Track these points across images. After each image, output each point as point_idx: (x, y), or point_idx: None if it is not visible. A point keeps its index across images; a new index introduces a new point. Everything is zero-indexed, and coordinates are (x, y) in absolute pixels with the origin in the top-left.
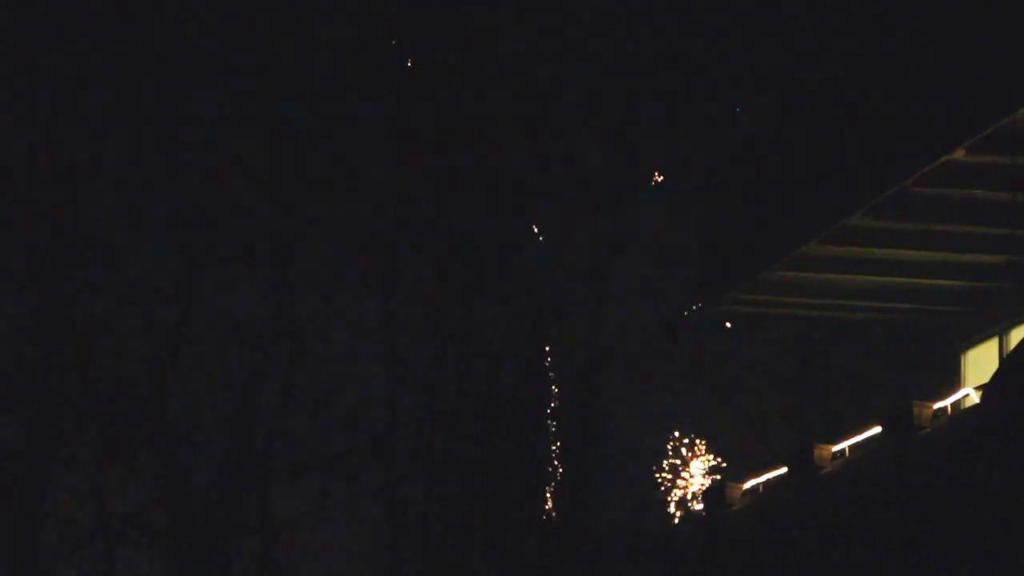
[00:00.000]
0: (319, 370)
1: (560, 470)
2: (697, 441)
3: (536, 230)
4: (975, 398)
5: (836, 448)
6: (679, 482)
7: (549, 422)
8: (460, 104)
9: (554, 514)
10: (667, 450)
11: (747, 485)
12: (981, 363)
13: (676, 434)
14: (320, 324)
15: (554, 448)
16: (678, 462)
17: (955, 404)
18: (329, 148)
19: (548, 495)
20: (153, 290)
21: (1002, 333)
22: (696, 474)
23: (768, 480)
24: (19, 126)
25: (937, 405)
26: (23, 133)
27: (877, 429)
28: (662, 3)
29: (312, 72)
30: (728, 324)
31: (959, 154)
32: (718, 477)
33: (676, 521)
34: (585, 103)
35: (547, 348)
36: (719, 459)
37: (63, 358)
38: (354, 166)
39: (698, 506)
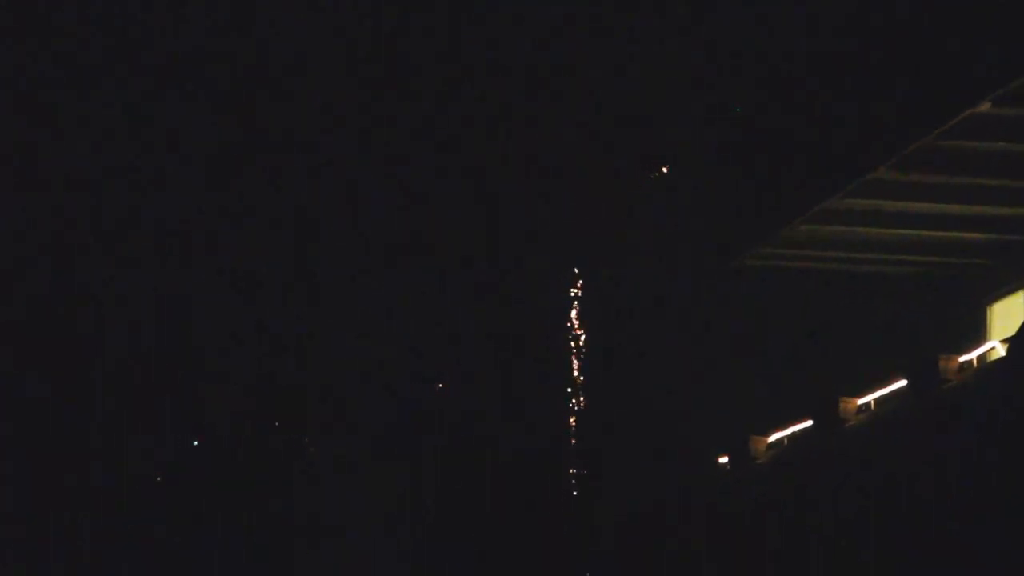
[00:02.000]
0: (343, 328)
1: (583, 425)
2: (721, 395)
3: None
4: (1001, 351)
5: (861, 401)
6: (703, 436)
7: (571, 376)
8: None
9: (576, 468)
10: (690, 404)
11: (771, 439)
12: (1007, 316)
13: (700, 388)
14: (342, 294)
15: (576, 404)
16: (702, 416)
17: (981, 357)
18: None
19: (570, 449)
20: (170, 254)
21: None
22: (720, 427)
23: (793, 434)
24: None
25: (963, 358)
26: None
27: (903, 382)
28: None
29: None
30: (751, 278)
31: (984, 107)
32: (742, 430)
33: (700, 474)
34: (605, 59)
35: (570, 302)
36: (743, 412)
37: (83, 315)
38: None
39: (722, 459)
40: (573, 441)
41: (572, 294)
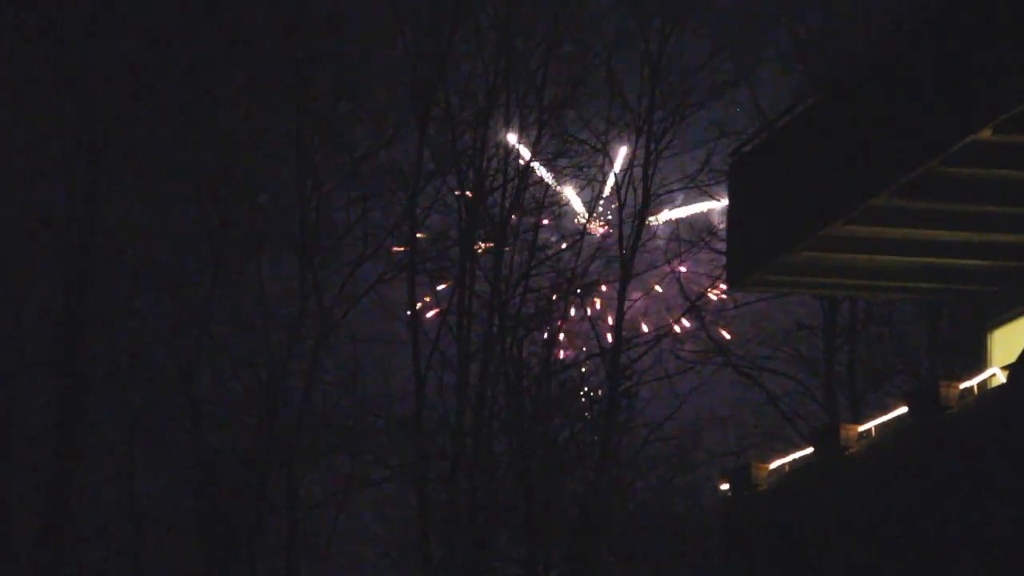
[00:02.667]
0: (345, 352)
1: (587, 448)
2: (723, 421)
3: (560, 209)
4: (1002, 378)
5: (862, 428)
6: (705, 461)
7: (576, 400)
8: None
9: (581, 491)
10: (693, 430)
11: (773, 465)
12: (1008, 343)
13: (702, 414)
14: (345, 306)
15: (581, 426)
16: (704, 441)
17: (982, 384)
18: (353, 131)
19: (575, 473)
20: (180, 273)
21: None
22: (722, 454)
23: (794, 460)
24: (44, 110)
25: (964, 385)
26: (48, 116)
27: (903, 409)
28: None
29: (340, 58)
30: (753, 304)
31: (986, 134)
32: (744, 457)
33: (702, 500)
34: (613, 83)
35: (573, 327)
36: (745, 439)
37: (90, 340)
38: (377, 147)
39: (724, 486)
40: (578, 463)
41: (576, 319)
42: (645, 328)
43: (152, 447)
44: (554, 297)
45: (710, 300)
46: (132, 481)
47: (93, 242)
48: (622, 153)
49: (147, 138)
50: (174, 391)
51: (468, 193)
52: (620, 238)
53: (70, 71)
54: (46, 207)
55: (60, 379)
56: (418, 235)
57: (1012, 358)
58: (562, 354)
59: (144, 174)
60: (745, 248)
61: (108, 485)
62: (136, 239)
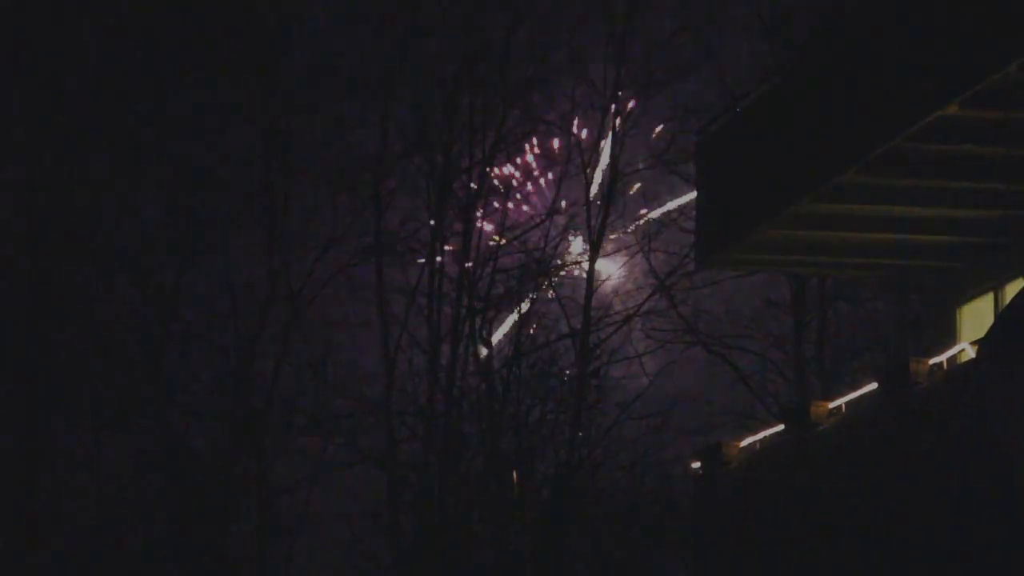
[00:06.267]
0: (315, 333)
1: (557, 427)
2: (694, 399)
3: (529, 188)
4: (971, 353)
5: (832, 404)
6: (676, 440)
7: (545, 380)
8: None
9: (551, 471)
10: (664, 409)
11: (744, 443)
12: (976, 318)
13: (672, 393)
14: (315, 287)
15: (550, 405)
16: (675, 420)
17: (951, 359)
18: (325, 111)
19: (545, 452)
20: (149, 254)
21: (997, 288)
22: (693, 432)
23: (765, 438)
24: (11, 96)
25: (933, 360)
26: (16, 103)
27: (873, 385)
28: None
29: (305, 38)
30: (722, 283)
31: (952, 109)
32: (715, 435)
33: (673, 479)
34: (578, 62)
35: (542, 307)
36: (716, 417)
37: (58, 322)
38: (347, 129)
39: (695, 464)
40: (548, 442)
41: (545, 297)
42: (616, 307)
43: (121, 432)
44: (523, 277)
45: (680, 279)
46: (100, 466)
47: (60, 227)
48: (588, 133)
49: (112, 122)
50: (142, 376)
51: (436, 175)
52: (588, 218)
53: (32, 57)
54: (10, 192)
55: (26, 365)
56: (385, 216)
57: (980, 333)
58: (532, 334)
59: (111, 157)
60: (713, 226)
61: (76, 471)
62: (103, 223)
